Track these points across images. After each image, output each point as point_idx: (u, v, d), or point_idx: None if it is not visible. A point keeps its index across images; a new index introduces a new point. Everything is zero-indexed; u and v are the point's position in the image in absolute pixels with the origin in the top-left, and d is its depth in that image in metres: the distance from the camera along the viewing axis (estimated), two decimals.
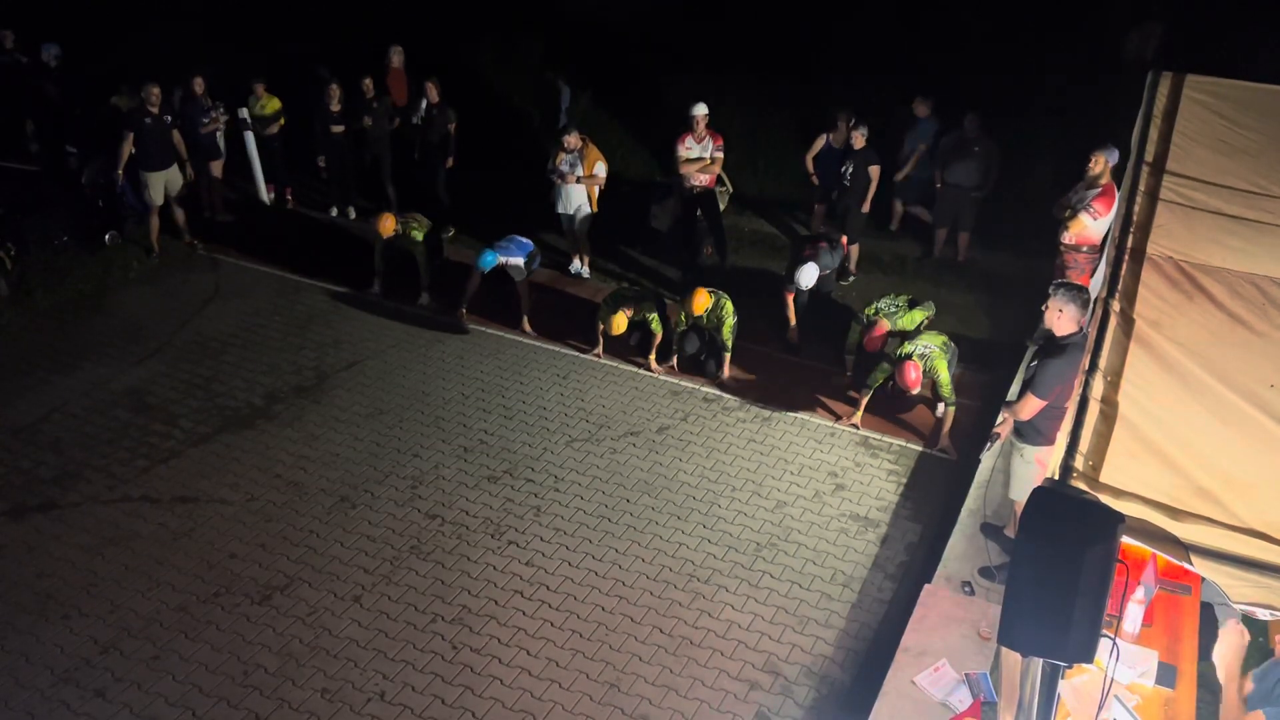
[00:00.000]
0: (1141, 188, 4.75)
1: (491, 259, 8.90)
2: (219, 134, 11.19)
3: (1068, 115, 10.52)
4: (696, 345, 8.65)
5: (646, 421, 8.06)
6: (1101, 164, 8.04)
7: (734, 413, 8.17)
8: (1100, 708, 4.16)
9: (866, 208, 9.87)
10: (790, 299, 8.88)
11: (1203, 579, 3.19)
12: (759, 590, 6.40)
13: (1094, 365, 3.68)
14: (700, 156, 9.72)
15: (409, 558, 6.65)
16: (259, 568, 6.56)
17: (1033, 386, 5.61)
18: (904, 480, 7.39)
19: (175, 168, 10.41)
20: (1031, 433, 5.82)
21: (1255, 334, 3.95)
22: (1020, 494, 6.00)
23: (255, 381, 8.56)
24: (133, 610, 6.22)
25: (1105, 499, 3.14)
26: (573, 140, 9.74)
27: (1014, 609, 3.06)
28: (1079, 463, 3.30)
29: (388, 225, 9.37)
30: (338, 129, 11.05)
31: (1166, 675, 4.76)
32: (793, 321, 8.97)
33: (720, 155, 9.77)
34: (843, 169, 9.71)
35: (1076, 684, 4.61)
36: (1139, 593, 4.88)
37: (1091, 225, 8.03)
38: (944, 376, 7.51)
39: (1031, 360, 6.11)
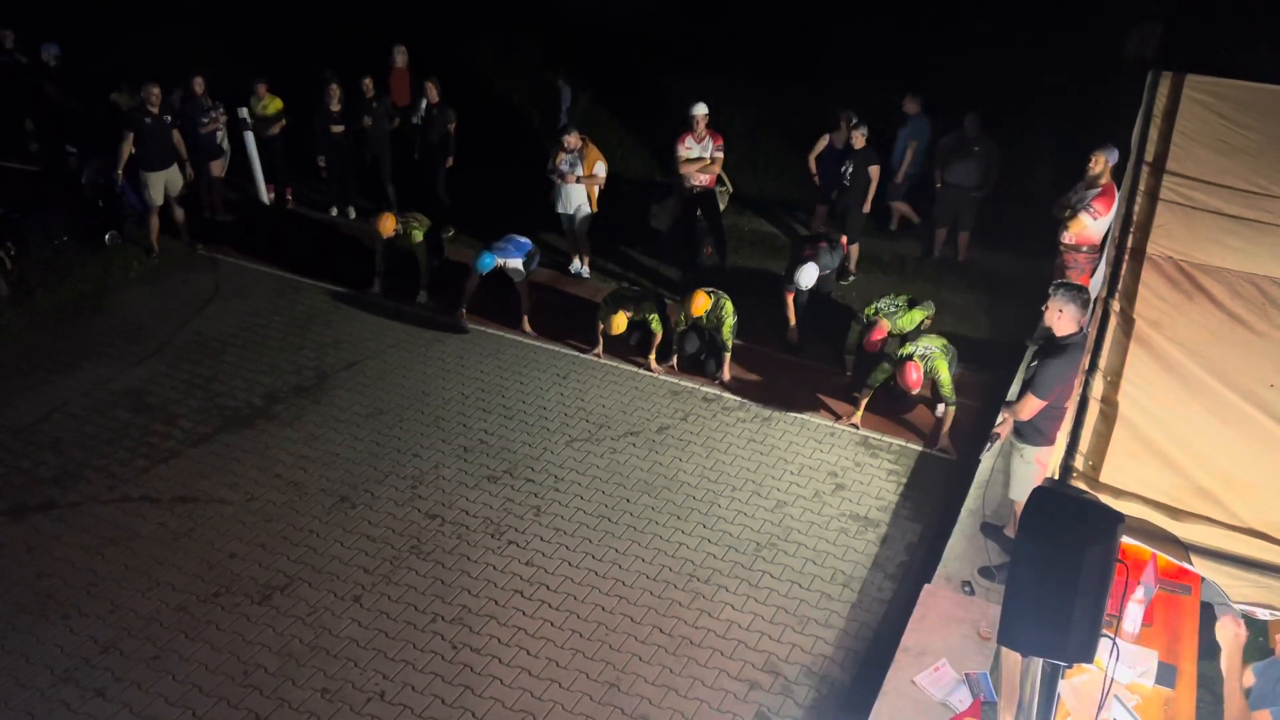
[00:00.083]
0: (1141, 187, 4.75)
1: (489, 261, 8.90)
2: (223, 134, 11.19)
3: (1068, 115, 10.52)
4: (696, 345, 8.66)
5: (646, 421, 8.06)
6: (1101, 164, 8.05)
7: (734, 413, 8.17)
8: (1100, 708, 4.16)
9: (867, 208, 9.87)
10: (790, 299, 8.88)
11: (1203, 579, 3.19)
12: (759, 590, 6.40)
13: (1094, 365, 3.69)
14: (700, 156, 9.72)
15: (409, 558, 6.65)
16: (259, 567, 6.56)
17: (1033, 387, 5.61)
18: (904, 480, 7.39)
19: (175, 168, 10.41)
20: (1031, 433, 5.82)
21: (1255, 334, 3.95)
22: (1020, 494, 6.00)
23: (255, 381, 8.56)
24: (133, 610, 6.22)
25: (1105, 499, 3.14)
26: (573, 140, 9.74)
27: (1014, 609, 3.06)
28: (1079, 462, 3.30)
29: (388, 225, 9.38)
30: (338, 129, 11.05)
31: (1166, 675, 4.75)
32: (793, 321, 8.97)
33: (720, 155, 9.77)
34: (842, 169, 9.71)
35: (1076, 684, 4.60)
36: (1139, 593, 4.88)
37: (1091, 225, 8.03)
38: (945, 377, 7.51)
39: (1031, 360, 6.11)
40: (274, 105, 11.26)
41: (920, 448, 7.73)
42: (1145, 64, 7.54)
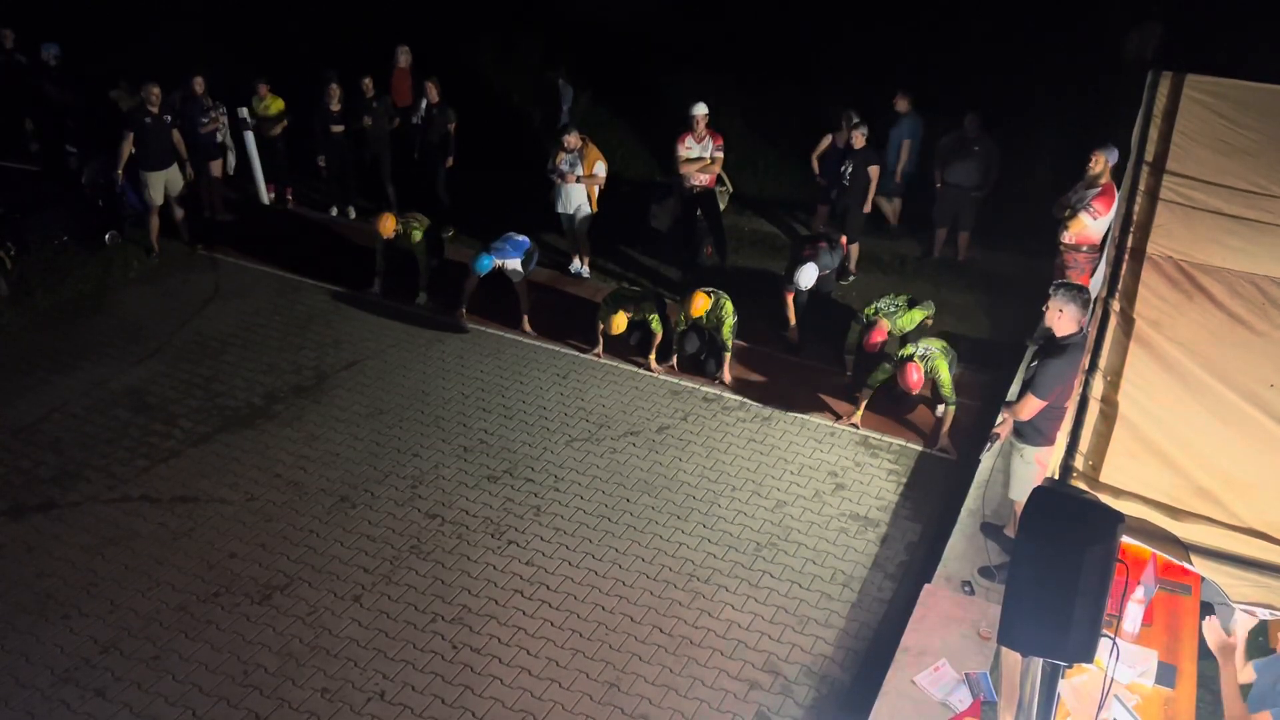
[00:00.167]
0: (1141, 187, 4.75)
1: (487, 263, 8.89)
2: (226, 133, 11.19)
3: (1068, 115, 10.52)
4: (696, 345, 8.66)
5: (646, 421, 8.06)
6: (1101, 163, 8.05)
7: (734, 413, 8.17)
8: (1100, 707, 4.16)
9: (867, 207, 9.87)
10: (790, 299, 8.89)
11: (1203, 579, 3.19)
12: (759, 590, 6.40)
13: (1094, 365, 3.68)
14: (700, 156, 9.72)
15: (409, 557, 6.65)
16: (259, 567, 6.56)
17: (1033, 387, 5.61)
18: (904, 480, 7.39)
19: (175, 167, 10.41)
20: (1031, 433, 5.82)
21: (1255, 334, 3.95)
22: (1020, 494, 6.00)
23: (255, 381, 8.56)
24: (133, 610, 6.22)
25: (1105, 499, 3.14)
26: (572, 140, 9.74)
27: (1014, 609, 3.06)
28: (1079, 462, 3.30)
29: (388, 226, 9.37)
30: (338, 129, 11.05)
31: (1166, 675, 4.76)
32: (793, 321, 8.98)
33: (720, 155, 9.77)
34: (842, 169, 9.72)
35: (1076, 684, 4.61)
36: (1139, 592, 4.88)
37: (1091, 225, 8.03)
38: (945, 376, 7.51)
39: (1031, 360, 6.11)
40: (276, 105, 11.26)
41: (920, 448, 7.73)
42: (1145, 64, 7.54)
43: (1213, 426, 3.53)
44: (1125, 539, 3.01)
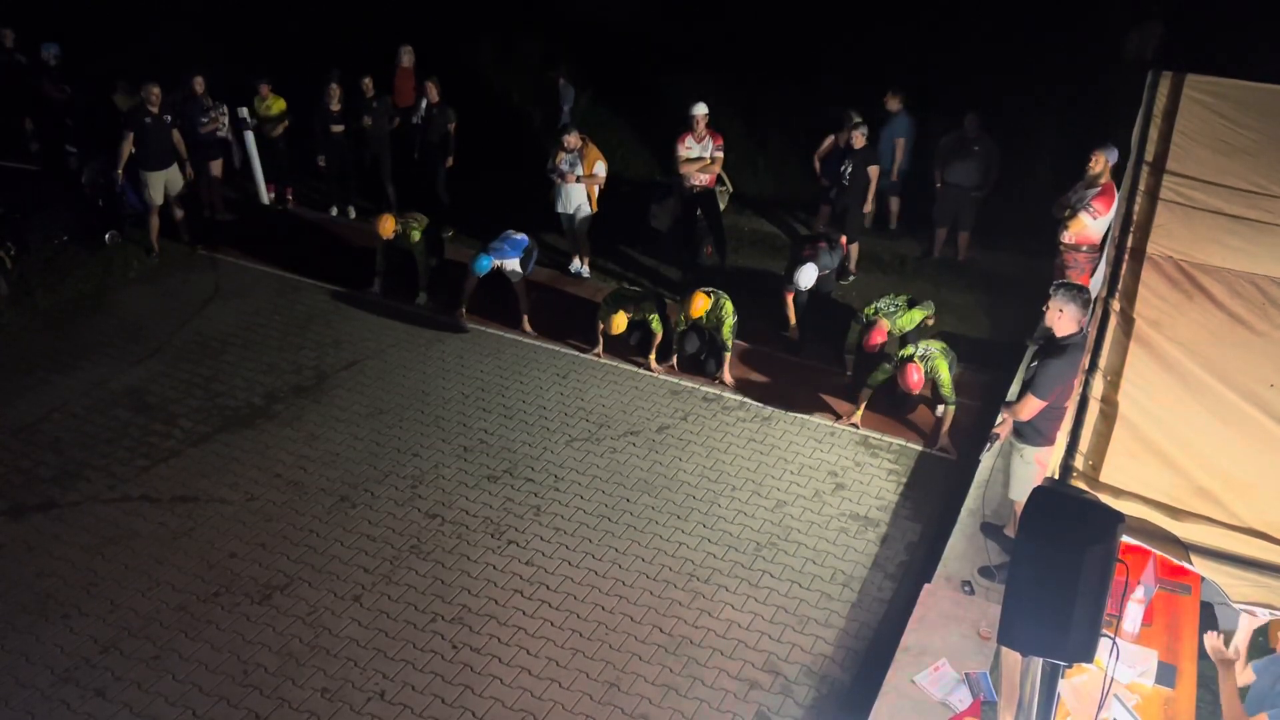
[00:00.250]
0: (1141, 187, 4.75)
1: (486, 264, 8.89)
2: (229, 133, 11.18)
3: (1068, 115, 10.52)
4: (696, 345, 8.66)
5: (646, 421, 8.06)
6: (1101, 163, 8.05)
7: (734, 412, 8.17)
8: (1100, 707, 4.17)
9: (867, 207, 9.88)
10: (790, 299, 8.89)
11: (1203, 578, 3.19)
12: (759, 590, 6.40)
13: (1094, 365, 3.69)
14: (700, 156, 9.72)
15: (409, 557, 6.65)
16: (259, 567, 6.56)
17: (1033, 387, 5.61)
18: (904, 480, 7.39)
19: (175, 167, 10.41)
20: (1031, 433, 5.82)
21: (1255, 334, 3.95)
22: (1020, 494, 6.00)
23: (255, 381, 8.56)
24: (133, 610, 6.22)
25: (1105, 499, 3.14)
26: (572, 140, 9.74)
27: (1014, 608, 3.06)
28: (1079, 462, 3.31)
29: (388, 226, 9.37)
30: (338, 128, 11.05)
31: (1166, 675, 4.76)
32: (793, 321, 8.98)
33: (720, 155, 9.77)
34: (841, 168, 9.72)
35: (1076, 683, 4.61)
36: (1139, 592, 4.88)
37: (1091, 224, 8.03)
38: (945, 376, 7.51)
39: (1031, 360, 6.11)
40: (278, 106, 11.26)
41: (920, 447, 7.73)
42: (1145, 64, 7.54)
43: (1213, 426, 3.53)
44: (1125, 539, 3.01)
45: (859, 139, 9.54)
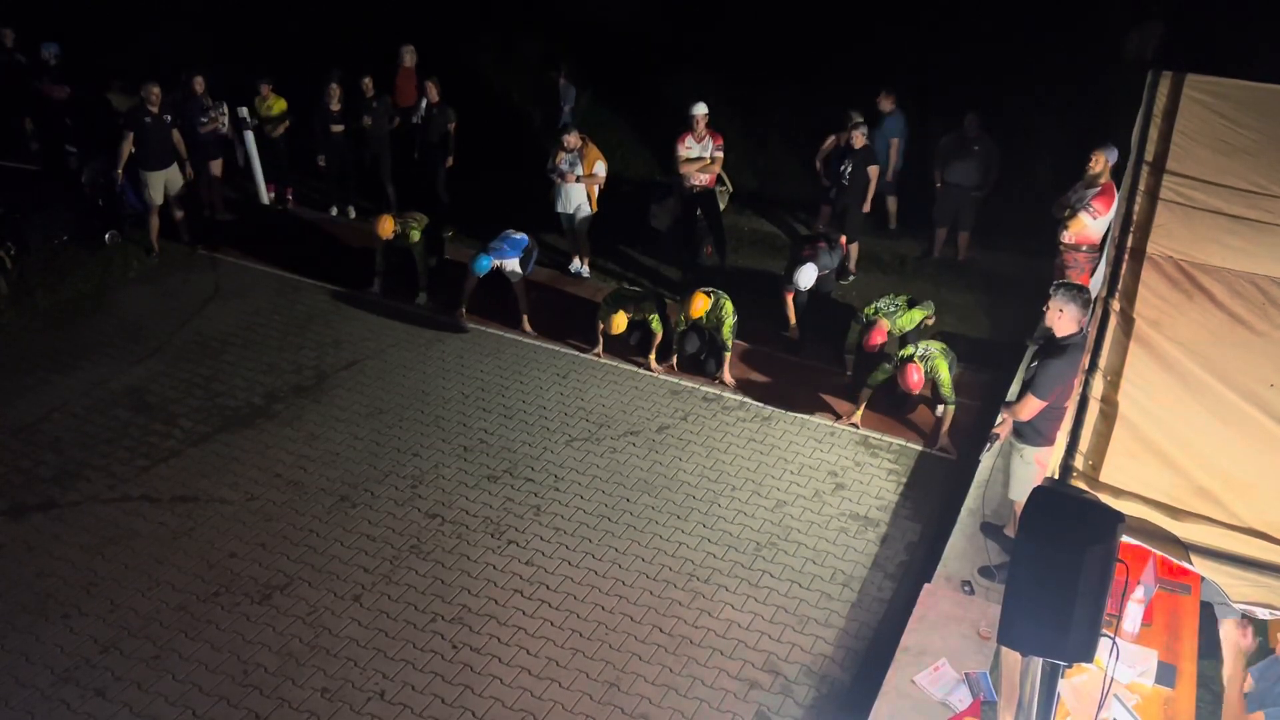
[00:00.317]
0: (1141, 187, 4.75)
1: (486, 264, 8.89)
2: (229, 131, 11.18)
3: (1068, 115, 10.52)
4: (696, 345, 8.66)
5: (646, 421, 8.06)
6: (1101, 163, 8.05)
7: (734, 412, 8.17)
8: (1100, 707, 4.17)
9: (866, 207, 9.88)
10: (790, 298, 8.89)
11: (1202, 578, 3.19)
12: (759, 590, 6.40)
13: (1094, 365, 3.69)
14: (700, 156, 9.72)
15: (409, 557, 6.65)
16: (259, 567, 6.56)
17: (1033, 387, 5.61)
18: (904, 480, 7.40)
19: (175, 167, 10.41)
20: (1031, 433, 5.82)
21: (1255, 334, 3.95)
22: (1020, 494, 6.00)
23: (255, 381, 8.57)
24: (132, 609, 6.22)
25: (1105, 498, 3.14)
26: (572, 140, 9.74)
27: (1014, 608, 3.06)
28: (1079, 462, 3.31)
29: (387, 227, 9.36)
30: (337, 128, 11.05)
31: (1166, 674, 4.76)
32: (792, 321, 8.99)
33: (720, 155, 9.77)
34: (841, 168, 9.72)
35: (1076, 683, 4.61)
36: (1139, 592, 4.88)
37: (1091, 224, 8.03)
38: (944, 376, 7.51)
39: (1031, 360, 6.11)
40: (279, 106, 11.26)
41: (920, 447, 7.73)
42: (1145, 64, 7.54)
43: (1213, 426, 3.53)
44: (1125, 539, 3.01)
45: (859, 139, 9.55)
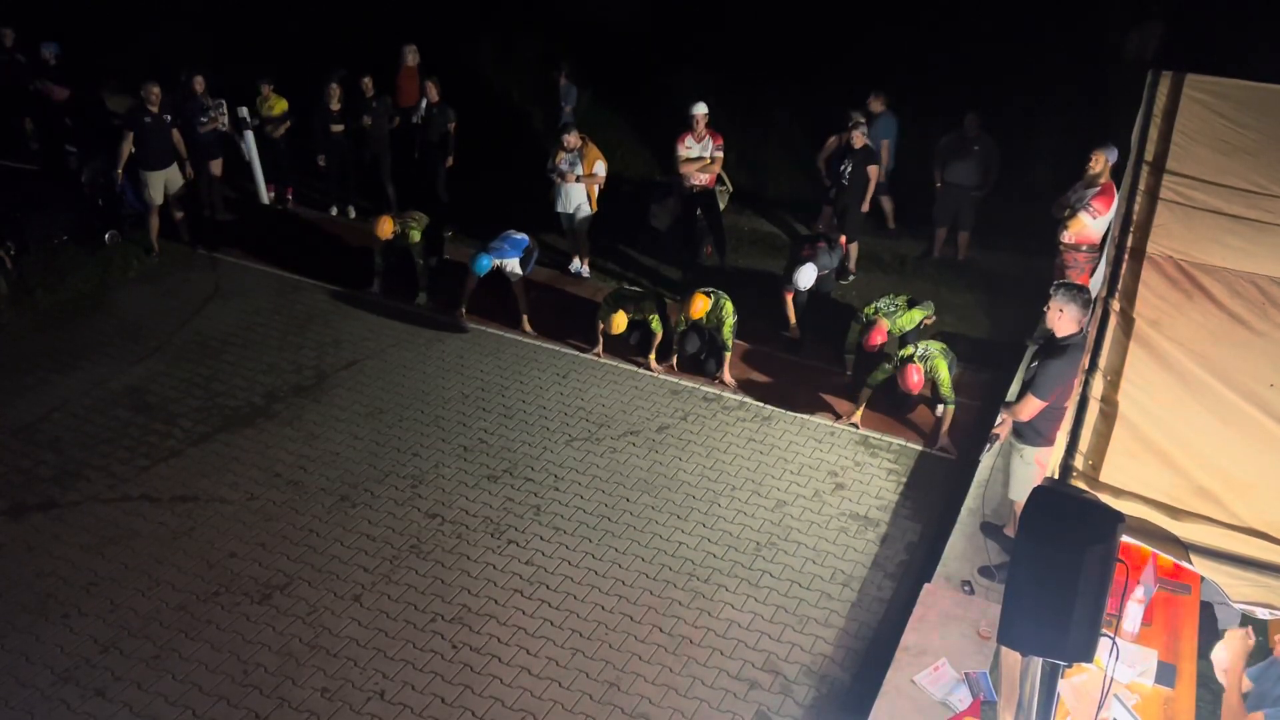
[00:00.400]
0: (1141, 187, 4.75)
1: (486, 263, 8.89)
2: (232, 130, 11.18)
3: (1068, 115, 10.52)
4: (696, 345, 8.66)
5: (646, 421, 8.06)
6: (1101, 163, 8.05)
7: (734, 412, 8.17)
8: (1100, 707, 4.16)
9: (866, 207, 9.88)
10: (789, 298, 8.90)
11: (1202, 578, 3.19)
12: (759, 589, 6.40)
13: (1094, 364, 3.68)
14: (700, 156, 9.72)
15: (409, 557, 6.65)
16: (259, 567, 6.56)
17: (1033, 387, 5.61)
18: (904, 479, 7.40)
19: (175, 167, 10.42)
20: (1031, 434, 5.82)
21: (1255, 334, 3.95)
22: (1019, 494, 6.00)
23: (255, 381, 8.57)
24: (132, 609, 6.22)
25: (1105, 498, 3.14)
26: (572, 139, 9.74)
27: (1014, 608, 3.06)
28: (1079, 462, 3.30)
29: (386, 228, 9.35)
30: (337, 128, 11.05)
31: (1166, 674, 4.76)
32: (792, 321, 8.99)
33: (720, 155, 9.77)
34: (841, 168, 9.72)
35: (1076, 683, 4.61)
36: (1139, 592, 4.88)
37: (1091, 224, 8.03)
38: (944, 375, 7.51)
39: (1031, 360, 6.11)
40: (280, 106, 11.26)
41: (920, 447, 7.73)
42: (1145, 64, 7.54)
43: (1213, 426, 3.53)
44: (1125, 539, 3.01)
45: (859, 139, 9.55)
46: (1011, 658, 4.60)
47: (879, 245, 10.46)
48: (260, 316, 9.59)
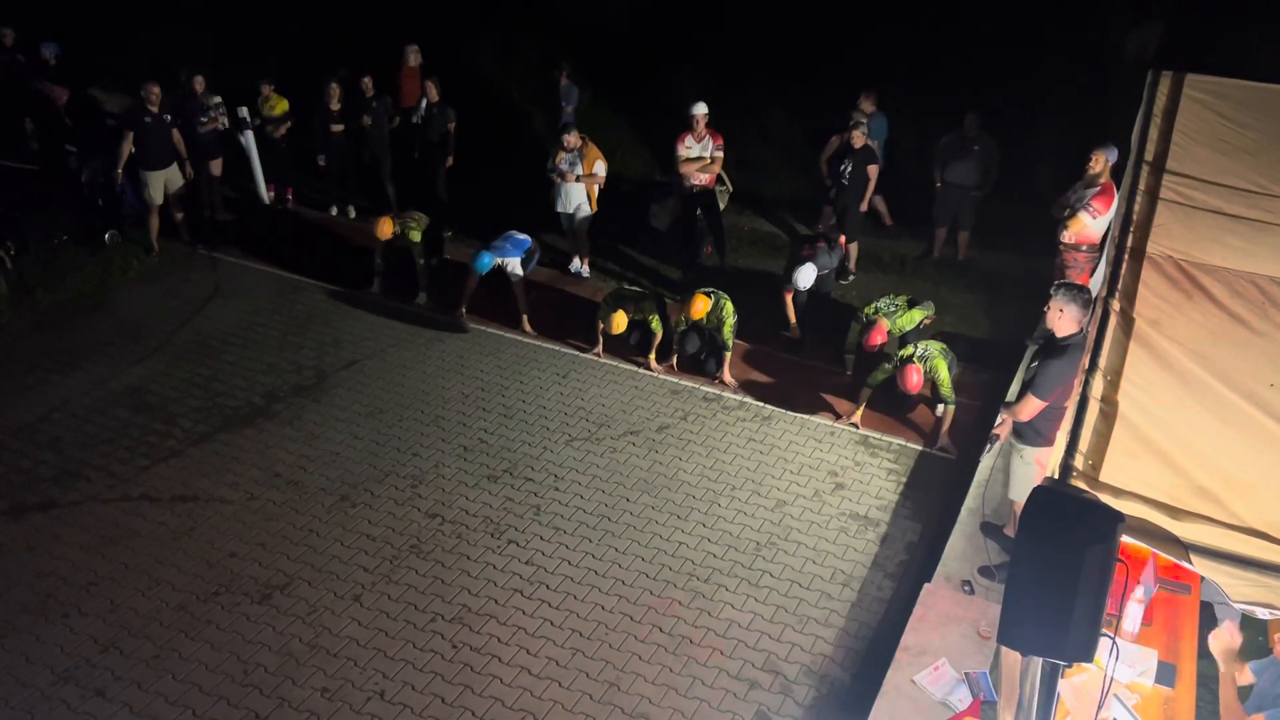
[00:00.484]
0: (1141, 187, 4.75)
1: (488, 261, 8.89)
2: (226, 125, 11.18)
3: (1068, 115, 10.52)
4: (696, 345, 8.66)
5: (646, 421, 8.06)
6: (1101, 163, 8.05)
7: (734, 412, 8.17)
8: (1100, 707, 4.17)
9: (865, 207, 9.88)
10: (789, 298, 8.90)
11: (1202, 578, 3.19)
12: (759, 589, 6.40)
13: (1094, 364, 3.68)
14: (700, 156, 9.72)
15: (409, 557, 6.65)
16: (259, 567, 6.56)
17: (1033, 387, 5.61)
18: (904, 479, 7.40)
19: (175, 167, 10.41)
20: (1031, 434, 5.82)
21: (1255, 334, 3.95)
22: (1019, 494, 6.00)
23: (255, 380, 8.57)
24: (132, 609, 6.22)
25: (1105, 498, 3.14)
26: (572, 139, 9.74)
27: (1014, 608, 3.06)
28: (1079, 462, 3.30)
29: (386, 229, 9.35)
30: (337, 128, 11.05)
31: (1166, 674, 4.76)
32: (792, 321, 8.99)
33: (720, 154, 9.78)
34: (841, 168, 9.72)
35: (1076, 683, 4.61)
36: (1139, 592, 4.88)
37: (1091, 224, 8.03)
38: (944, 375, 7.51)
39: (1031, 361, 6.11)
40: (280, 106, 11.25)
41: (920, 447, 7.73)
42: (1146, 64, 7.54)
43: (1213, 426, 3.53)
44: (1125, 538, 3.01)
45: (859, 138, 9.55)
46: (1011, 658, 4.61)
47: (879, 245, 10.47)
48: (260, 316, 9.59)
